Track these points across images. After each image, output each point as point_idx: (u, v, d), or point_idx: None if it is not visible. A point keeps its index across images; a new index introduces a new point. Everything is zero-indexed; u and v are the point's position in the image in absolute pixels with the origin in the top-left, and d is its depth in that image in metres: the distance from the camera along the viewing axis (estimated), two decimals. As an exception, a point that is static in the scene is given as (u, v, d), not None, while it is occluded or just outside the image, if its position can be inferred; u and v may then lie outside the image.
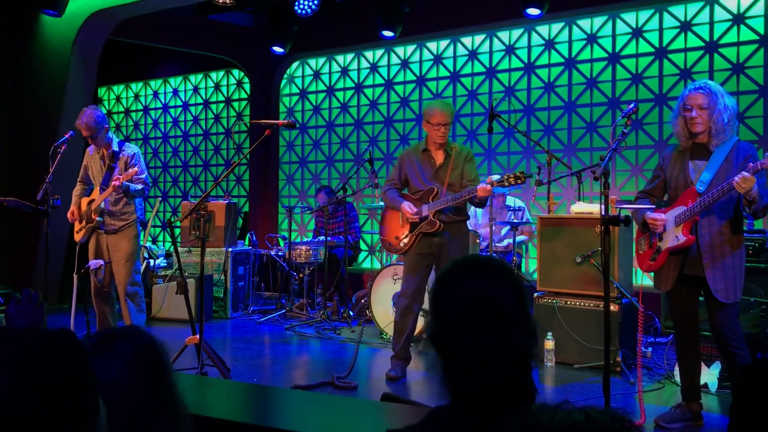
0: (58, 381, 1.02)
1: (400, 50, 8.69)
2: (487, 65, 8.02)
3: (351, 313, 7.21)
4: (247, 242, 8.46)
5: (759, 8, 6.48)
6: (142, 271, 5.68)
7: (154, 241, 10.57)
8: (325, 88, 9.34)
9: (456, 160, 4.93)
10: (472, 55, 8.14)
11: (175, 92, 10.75)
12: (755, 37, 6.49)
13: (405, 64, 8.65)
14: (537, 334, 1.47)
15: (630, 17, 7.16)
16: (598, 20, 7.34)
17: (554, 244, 5.48)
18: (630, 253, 5.44)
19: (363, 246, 8.66)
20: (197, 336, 4.57)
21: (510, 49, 7.87)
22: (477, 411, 1.39)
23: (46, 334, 1.07)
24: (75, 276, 5.52)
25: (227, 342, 6.37)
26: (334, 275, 7.54)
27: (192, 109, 10.57)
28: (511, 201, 6.72)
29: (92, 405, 1.07)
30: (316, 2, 7.43)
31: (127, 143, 5.60)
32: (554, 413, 0.98)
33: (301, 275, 7.58)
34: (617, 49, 7.22)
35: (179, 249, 7.15)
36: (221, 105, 10.28)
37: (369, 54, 8.95)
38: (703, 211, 3.64)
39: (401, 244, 5.02)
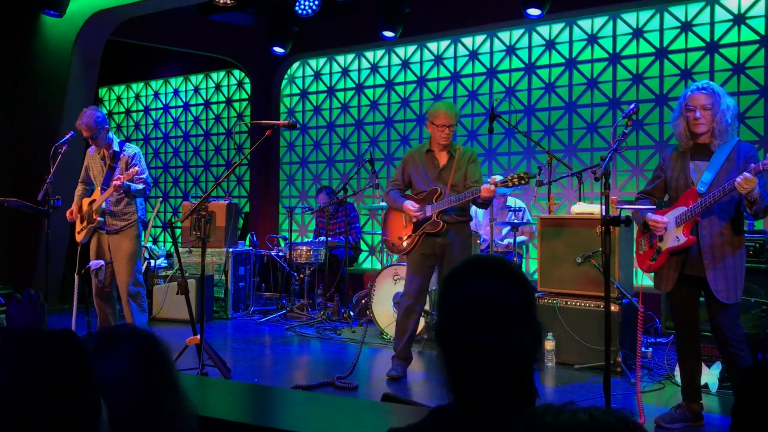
0: (59, 381, 1.02)
1: (400, 50, 8.69)
2: (488, 66, 8.02)
3: (351, 313, 7.21)
4: (247, 243, 8.47)
5: (760, 8, 6.48)
6: (143, 271, 5.67)
7: (155, 241, 10.57)
8: (325, 89, 9.34)
9: (459, 161, 4.93)
10: (473, 55, 8.14)
11: (176, 92, 10.76)
12: (756, 37, 6.49)
13: (405, 64, 8.65)
14: (541, 337, 1.47)
15: (630, 17, 7.16)
16: (599, 20, 7.34)
17: (555, 244, 5.48)
18: (630, 253, 5.44)
19: (363, 246, 8.66)
20: (198, 336, 4.57)
21: (510, 50, 7.87)
22: (477, 411, 1.39)
23: (47, 334, 1.07)
24: (76, 276, 5.52)
25: (228, 342, 6.38)
26: (335, 276, 7.55)
27: (193, 109, 10.57)
28: (511, 201, 6.72)
29: (93, 405, 1.07)
30: (316, 2, 7.44)
31: (127, 143, 5.60)
32: (558, 414, 0.98)
33: (301, 276, 7.58)
34: (618, 50, 7.22)
35: (180, 249, 7.16)
36: (222, 105, 10.29)
37: (369, 54, 8.95)
38: (704, 211, 3.64)
39: (404, 245, 5.02)
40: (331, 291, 7.48)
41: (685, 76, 6.82)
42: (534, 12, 6.62)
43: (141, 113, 11.15)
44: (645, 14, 7.09)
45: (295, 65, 9.60)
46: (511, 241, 6.26)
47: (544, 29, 7.64)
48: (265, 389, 3.83)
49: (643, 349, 5.42)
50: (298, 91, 9.60)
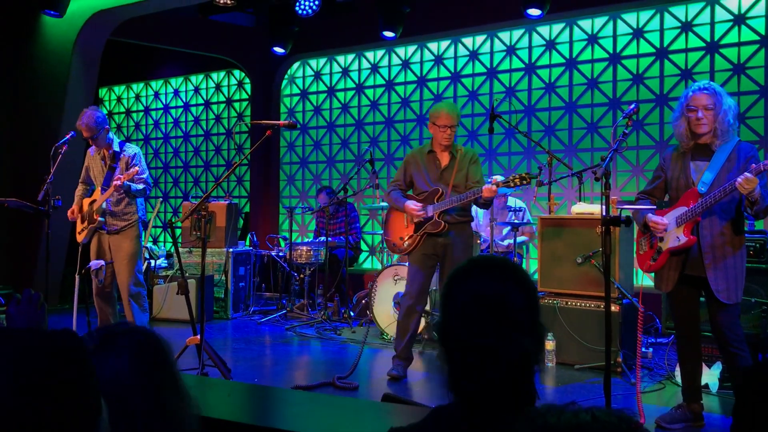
0: (60, 381, 1.02)
1: (400, 51, 8.69)
2: (488, 66, 8.02)
3: (352, 313, 7.21)
4: (247, 243, 8.47)
5: (760, 8, 6.48)
6: (143, 270, 5.68)
7: (155, 241, 10.57)
8: (325, 89, 9.34)
9: (461, 162, 4.94)
10: (473, 55, 8.14)
11: (176, 93, 10.76)
12: (756, 37, 6.49)
13: (406, 64, 8.65)
14: (543, 339, 1.47)
15: (631, 18, 7.16)
16: (599, 21, 7.34)
17: (555, 244, 5.48)
18: (631, 253, 5.44)
19: (364, 246, 8.66)
20: (198, 336, 4.57)
21: (511, 50, 7.87)
22: (477, 411, 1.39)
23: (47, 334, 1.07)
24: (77, 276, 5.52)
25: (228, 342, 6.38)
26: (335, 276, 7.55)
27: (193, 109, 10.57)
28: (512, 201, 6.72)
29: (94, 405, 1.07)
30: (316, 3, 7.44)
31: (127, 143, 5.61)
32: (561, 414, 0.98)
33: (301, 276, 7.58)
34: (618, 50, 7.22)
35: (180, 249, 7.15)
36: (222, 105, 10.29)
37: (370, 54, 8.95)
38: (704, 211, 3.64)
39: (405, 245, 5.03)
40: (331, 291, 7.48)
41: (685, 77, 6.82)
42: (534, 12, 6.62)
43: (141, 113, 11.15)
44: (645, 14, 7.09)
45: (296, 65, 9.60)
46: (512, 241, 6.26)
47: (544, 29, 7.64)
48: (265, 389, 3.83)
49: (643, 350, 5.42)
50: (299, 91, 9.60)
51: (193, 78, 10.57)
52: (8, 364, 1.01)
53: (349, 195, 7.37)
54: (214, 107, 10.36)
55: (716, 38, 6.69)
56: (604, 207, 3.39)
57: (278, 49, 8.31)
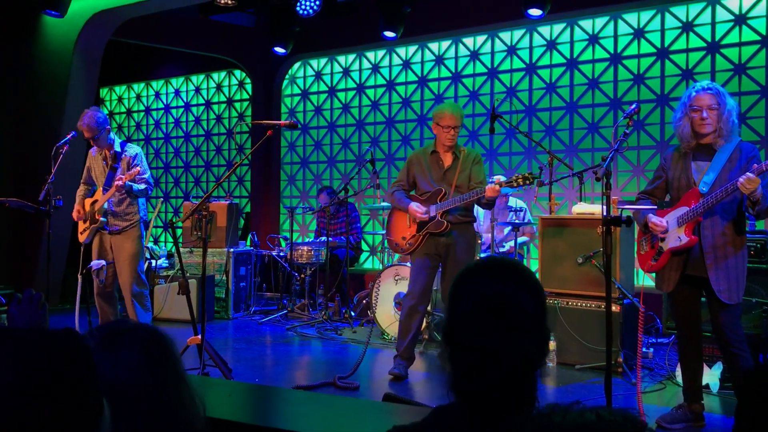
0: (61, 380, 1.02)
1: (401, 51, 8.69)
2: (489, 66, 8.02)
3: (352, 313, 7.22)
4: (248, 243, 8.47)
5: (761, 9, 6.48)
6: (144, 270, 5.68)
7: (156, 241, 10.57)
8: (326, 89, 9.34)
9: (464, 162, 4.95)
10: (474, 55, 8.14)
11: (177, 93, 10.76)
12: (757, 37, 6.48)
13: (406, 64, 8.65)
14: (547, 343, 1.46)
15: (632, 18, 7.16)
16: (600, 21, 7.34)
17: (556, 244, 5.48)
18: (631, 253, 5.44)
19: (364, 246, 8.66)
20: (199, 336, 4.58)
21: (511, 50, 7.87)
22: (476, 411, 1.39)
23: (49, 333, 1.07)
24: (79, 276, 5.52)
25: (229, 342, 6.38)
26: (336, 276, 7.55)
27: (194, 109, 10.57)
28: (512, 202, 6.72)
29: (95, 405, 1.07)
30: (317, 3, 7.44)
31: (129, 144, 5.62)
32: (566, 413, 0.98)
33: (302, 276, 7.59)
34: (619, 50, 7.22)
35: (181, 249, 7.15)
36: (223, 105, 10.29)
37: (370, 54, 8.95)
38: (706, 211, 3.64)
39: (408, 245, 5.03)
40: (332, 291, 7.48)
41: (686, 77, 6.82)
42: (535, 12, 6.62)
43: (142, 113, 11.15)
44: (646, 14, 7.09)
45: (296, 65, 9.60)
46: (512, 243, 6.26)
47: (545, 29, 7.64)
48: (266, 389, 3.83)
49: (644, 350, 5.41)
50: (299, 91, 9.60)
51: (193, 78, 10.58)
52: (9, 363, 1.01)
53: (350, 195, 7.37)
54: (215, 107, 10.36)
55: (717, 38, 6.69)
56: (604, 207, 3.39)
57: (279, 49, 8.31)
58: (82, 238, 5.55)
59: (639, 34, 7.11)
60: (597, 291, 5.14)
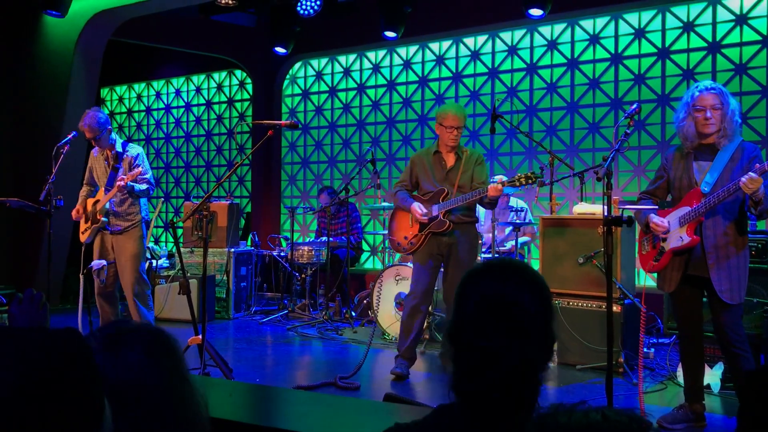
0: (62, 380, 1.02)
1: (402, 51, 8.69)
2: (490, 66, 8.02)
3: (353, 313, 7.21)
4: (249, 243, 8.47)
5: (762, 9, 6.47)
6: (145, 270, 5.69)
7: (157, 241, 10.58)
8: (327, 89, 9.34)
9: (467, 163, 4.96)
10: (475, 55, 8.14)
11: (178, 93, 10.76)
12: (758, 37, 6.48)
13: (407, 64, 8.65)
14: (552, 347, 1.45)
15: (632, 18, 7.15)
16: (601, 21, 7.34)
17: (556, 244, 5.47)
18: (632, 253, 5.44)
19: (365, 246, 8.67)
20: (199, 336, 4.58)
21: (512, 50, 7.87)
22: (475, 411, 1.39)
23: (50, 333, 1.07)
24: (81, 276, 5.53)
25: (229, 342, 6.38)
26: (337, 276, 7.55)
27: (194, 109, 10.58)
28: (513, 202, 6.72)
29: (97, 404, 1.06)
30: (318, 3, 7.44)
31: (130, 144, 5.62)
32: (571, 413, 0.98)
33: (303, 276, 7.58)
34: (620, 50, 7.21)
35: (182, 249, 7.15)
36: (224, 105, 10.29)
37: (371, 54, 8.95)
38: (708, 211, 3.64)
39: (410, 244, 5.03)
40: (332, 291, 7.48)
41: (687, 77, 6.82)
42: (536, 12, 6.62)
43: (143, 113, 11.16)
44: (647, 14, 7.08)
45: (297, 65, 9.60)
46: (513, 243, 6.26)
47: (545, 29, 7.64)
48: (266, 389, 3.83)
49: (645, 350, 5.41)
50: (300, 92, 9.60)
51: (194, 78, 10.58)
52: (10, 363, 1.01)
53: (351, 195, 7.37)
54: (216, 107, 10.37)
55: (718, 38, 6.69)
56: (605, 207, 3.39)
57: (280, 49, 8.31)
58: (83, 237, 5.55)
59: (640, 34, 7.11)
60: (598, 291, 5.13)
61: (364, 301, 7.28)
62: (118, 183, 5.21)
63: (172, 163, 10.79)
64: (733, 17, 6.61)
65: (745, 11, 6.56)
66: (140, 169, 5.33)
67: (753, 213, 3.60)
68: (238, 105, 10.16)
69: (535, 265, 7.11)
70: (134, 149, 5.55)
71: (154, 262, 7.59)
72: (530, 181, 4.61)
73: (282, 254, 8.00)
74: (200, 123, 10.50)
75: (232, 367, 4.77)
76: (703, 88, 3.69)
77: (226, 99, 10.28)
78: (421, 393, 4.70)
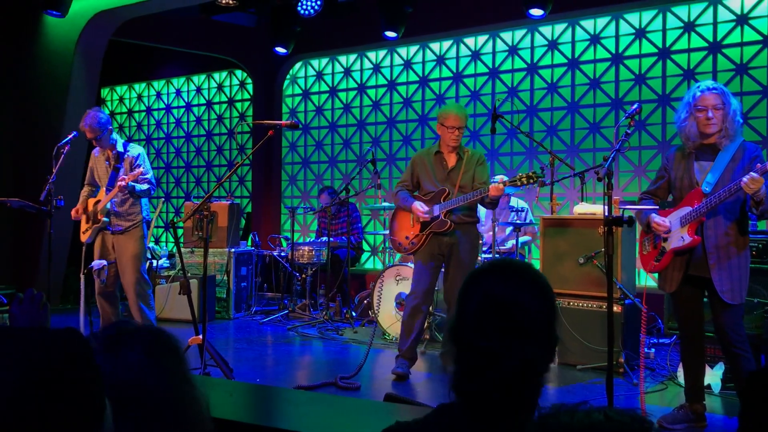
0: (63, 379, 1.02)
1: (402, 51, 8.69)
2: (490, 66, 8.02)
3: (353, 313, 7.21)
4: (249, 243, 8.47)
5: (763, 9, 6.47)
6: (146, 270, 5.70)
7: (157, 241, 10.58)
8: (327, 89, 9.34)
9: (468, 163, 4.96)
10: (475, 55, 8.14)
11: (178, 93, 10.77)
12: (759, 37, 6.48)
13: (408, 64, 8.65)
14: (554, 349, 1.44)
15: (633, 18, 7.15)
16: (601, 21, 7.33)
17: (557, 244, 5.47)
18: (633, 253, 5.43)
19: (366, 247, 8.67)
20: (200, 336, 4.58)
21: (513, 50, 7.87)
22: (475, 411, 1.39)
23: (51, 332, 1.07)
24: (82, 276, 5.53)
25: (230, 342, 6.38)
26: (337, 276, 7.55)
27: (195, 109, 10.58)
28: (514, 202, 6.72)
29: (97, 404, 1.06)
30: (318, 3, 7.44)
31: (131, 144, 5.63)
32: (574, 413, 0.98)
33: (303, 276, 7.59)
34: (620, 50, 7.21)
35: (182, 249, 7.15)
36: (224, 105, 10.29)
37: (372, 55, 8.95)
38: (709, 211, 3.64)
39: (411, 244, 5.03)
40: (333, 291, 7.48)
41: (687, 77, 6.82)
42: (536, 12, 6.61)
43: (143, 113, 11.16)
44: (648, 14, 7.08)
45: (297, 65, 9.60)
46: (514, 242, 6.26)
47: (546, 29, 7.63)
48: (267, 389, 3.83)
49: (645, 350, 5.41)
50: (300, 92, 9.60)
51: (195, 78, 10.58)
52: (11, 362, 1.01)
53: (351, 195, 7.37)
54: (216, 107, 10.37)
55: (719, 38, 6.68)
56: (606, 207, 3.39)
57: (280, 49, 8.31)
58: (84, 237, 5.55)
59: (640, 34, 7.11)
60: (598, 291, 5.13)
61: (365, 301, 7.28)
62: (119, 183, 5.22)
63: (173, 163, 10.79)
64: (734, 17, 6.61)
65: (746, 11, 6.56)
66: (141, 169, 5.34)
67: (754, 213, 3.60)
68: (238, 105, 10.16)
69: (536, 265, 7.11)
70: (135, 149, 5.55)
71: (154, 262, 7.59)
72: (531, 181, 4.61)
73: (282, 254, 8.00)
74: (201, 123, 10.50)
75: (232, 367, 4.77)
76: (705, 88, 3.69)
77: (226, 99, 10.28)
78: (421, 393, 4.70)
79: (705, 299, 3.85)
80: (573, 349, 5.23)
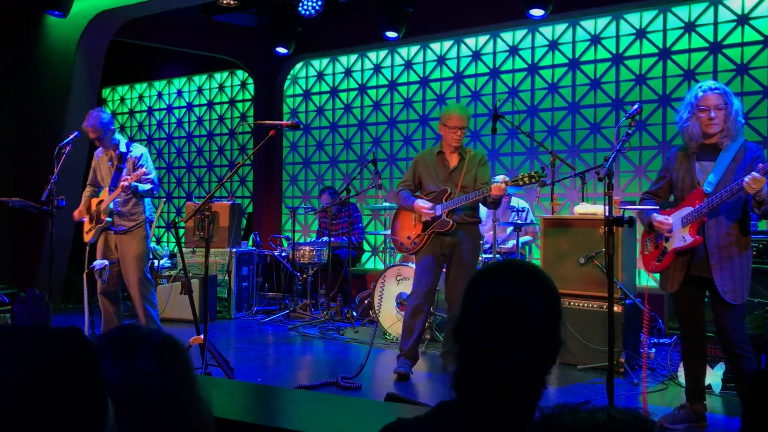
0: (66, 379, 1.03)
1: (403, 51, 8.69)
2: (491, 66, 8.02)
3: (354, 313, 7.22)
4: (250, 243, 8.48)
5: (763, 9, 6.47)
6: (148, 270, 5.71)
7: (159, 241, 10.58)
8: (328, 89, 9.34)
9: (470, 163, 4.97)
10: (476, 55, 8.14)
11: (179, 93, 10.77)
12: (759, 37, 6.48)
13: (408, 64, 8.65)
14: (557, 351, 1.44)
15: (634, 18, 7.15)
16: (602, 21, 7.33)
17: (557, 244, 5.47)
18: (633, 254, 5.44)
19: (366, 247, 8.67)
20: (201, 336, 4.58)
21: (513, 50, 7.87)
22: (474, 411, 1.40)
23: (53, 332, 1.07)
24: (85, 276, 5.54)
25: (231, 342, 6.38)
26: (338, 276, 7.55)
27: (196, 109, 10.58)
28: (515, 202, 6.72)
29: (99, 404, 1.07)
30: (319, 3, 7.44)
31: (134, 144, 5.64)
32: (576, 413, 0.98)
33: (304, 276, 7.59)
34: (621, 50, 7.21)
35: (183, 249, 7.16)
36: (225, 106, 10.30)
37: (372, 55, 8.95)
38: (710, 211, 3.64)
39: (413, 244, 5.04)
40: (333, 291, 7.48)
41: (688, 77, 6.82)
42: (537, 12, 6.61)
43: (144, 114, 11.17)
44: (648, 15, 7.08)
45: (298, 66, 9.60)
46: (515, 242, 6.26)
47: (547, 30, 7.64)
48: (268, 389, 3.84)
49: (646, 350, 5.41)
50: (301, 92, 9.60)
51: (196, 78, 10.59)
52: (13, 362, 1.01)
53: (352, 195, 7.38)
54: (217, 107, 10.37)
55: (719, 38, 6.68)
56: (606, 207, 3.39)
57: (281, 50, 8.31)
58: (87, 237, 5.56)
59: (641, 34, 7.11)
60: (599, 291, 5.13)
61: (366, 301, 7.28)
62: (121, 183, 5.22)
63: (174, 163, 10.80)
64: (735, 17, 6.61)
65: (746, 11, 6.56)
66: (144, 169, 5.34)
67: (756, 213, 3.60)
68: (239, 105, 10.17)
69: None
70: (138, 149, 5.56)
71: (155, 262, 7.60)
72: (534, 181, 4.62)
73: (283, 254, 8.01)
74: (202, 123, 10.51)
75: (233, 367, 4.77)
76: (707, 88, 3.69)
77: (227, 99, 10.28)
78: (422, 393, 4.71)
79: (706, 299, 3.85)
80: (573, 349, 5.23)
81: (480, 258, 5.46)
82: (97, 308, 5.55)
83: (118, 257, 5.49)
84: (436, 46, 8.43)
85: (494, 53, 8.01)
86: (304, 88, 9.57)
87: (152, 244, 7.78)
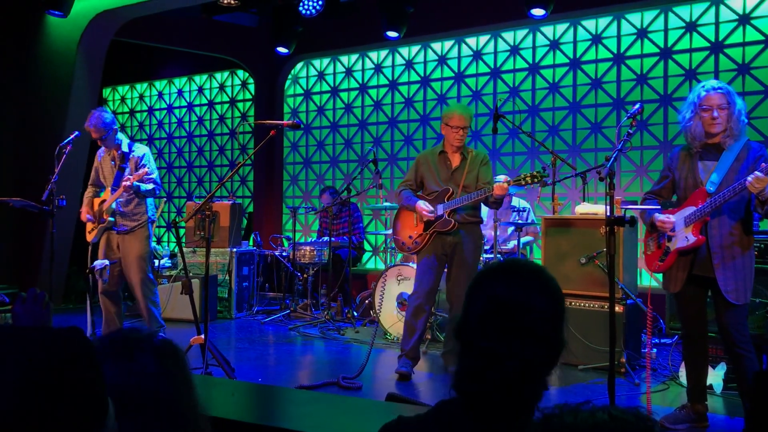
0: (66, 378, 1.02)
1: (404, 51, 8.69)
2: (492, 66, 8.01)
3: (355, 313, 7.22)
4: (251, 243, 8.48)
5: (765, 8, 6.46)
6: (151, 270, 5.71)
7: (159, 241, 10.59)
8: (329, 89, 9.34)
9: (472, 163, 4.97)
10: (477, 55, 8.14)
11: (180, 93, 10.77)
12: (761, 37, 6.47)
13: (409, 64, 8.65)
14: (559, 352, 1.43)
15: (635, 18, 7.15)
16: (603, 21, 7.33)
17: (559, 244, 5.47)
18: (635, 254, 5.43)
19: (367, 246, 8.67)
20: (202, 336, 4.58)
21: (514, 50, 7.87)
22: (474, 411, 1.39)
23: (54, 331, 1.07)
24: (89, 276, 5.54)
25: (231, 342, 6.38)
26: (338, 276, 7.55)
27: (197, 109, 10.58)
28: (516, 202, 6.71)
29: (100, 404, 1.07)
30: (320, 3, 7.44)
31: (136, 144, 5.65)
32: (577, 413, 0.98)
33: (305, 276, 7.59)
34: (622, 50, 7.21)
35: (184, 249, 7.16)
36: (226, 105, 10.30)
37: (373, 54, 8.95)
38: (713, 211, 3.63)
39: (414, 243, 5.04)
40: (334, 291, 7.48)
41: (689, 77, 6.81)
42: (538, 12, 6.61)
43: (145, 113, 11.17)
44: (649, 14, 7.08)
45: (299, 65, 9.60)
46: (516, 242, 6.26)
47: (548, 29, 7.63)
48: (268, 389, 3.83)
49: (648, 350, 5.41)
50: (302, 92, 9.60)
51: (196, 78, 10.59)
52: (15, 362, 1.01)
53: (353, 195, 7.37)
54: (218, 107, 10.37)
55: (721, 38, 6.68)
56: (608, 207, 3.39)
57: (282, 49, 8.30)
58: (90, 237, 5.57)
59: (642, 34, 7.10)
60: (600, 291, 5.13)
61: (366, 301, 7.28)
62: (124, 183, 5.23)
63: (175, 162, 10.80)
64: (736, 17, 6.60)
65: (748, 11, 6.55)
66: (146, 169, 5.35)
67: (759, 212, 3.59)
68: (240, 105, 10.17)
69: (537, 265, 7.10)
70: (140, 149, 5.57)
71: (156, 261, 7.60)
72: (536, 180, 4.62)
73: (284, 254, 8.01)
74: (202, 123, 10.51)
75: (234, 367, 4.77)
76: (710, 88, 3.68)
77: (228, 99, 10.28)
78: (423, 393, 4.70)
79: (708, 299, 3.85)
80: (574, 350, 5.23)
81: (481, 258, 5.46)
82: (98, 308, 5.55)
83: (120, 257, 5.49)
84: (437, 45, 8.43)
85: (495, 53, 8.01)
86: (305, 87, 9.57)
87: (153, 244, 7.79)
